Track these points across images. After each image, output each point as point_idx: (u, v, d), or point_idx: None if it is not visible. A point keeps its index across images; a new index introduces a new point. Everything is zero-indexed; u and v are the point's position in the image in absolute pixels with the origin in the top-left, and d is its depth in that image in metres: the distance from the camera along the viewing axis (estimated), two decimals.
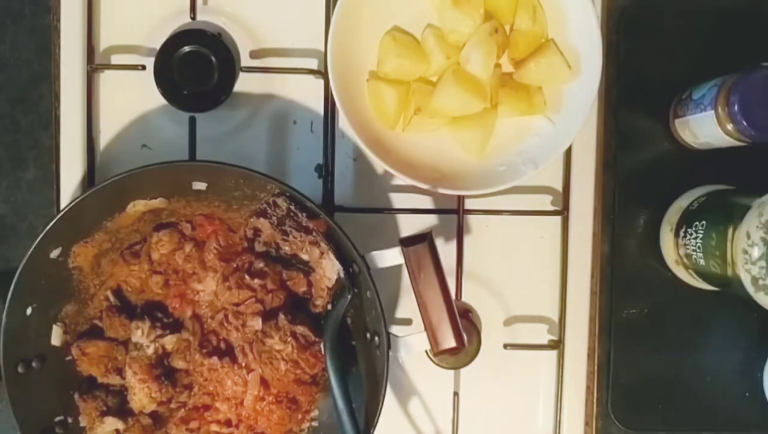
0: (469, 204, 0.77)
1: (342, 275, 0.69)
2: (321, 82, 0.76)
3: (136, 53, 0.77)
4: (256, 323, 0.72)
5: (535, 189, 0.78)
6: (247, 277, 0.72)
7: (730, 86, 0.67)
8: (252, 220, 0.73)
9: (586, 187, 0.77)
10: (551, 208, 0.78)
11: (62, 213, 0.67)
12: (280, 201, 0.69)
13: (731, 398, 0.78)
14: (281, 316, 0.72)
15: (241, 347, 0.72)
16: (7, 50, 0.77)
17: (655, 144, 0.77)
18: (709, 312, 0.78)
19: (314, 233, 0.69)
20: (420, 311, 0.65)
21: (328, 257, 0.69)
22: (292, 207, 0.69)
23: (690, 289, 0.76)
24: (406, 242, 0.65)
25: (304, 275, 0.74)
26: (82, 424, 0.72)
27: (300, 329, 0.72)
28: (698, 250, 0.70)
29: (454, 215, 0.76)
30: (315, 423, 0.74)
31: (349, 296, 0.69)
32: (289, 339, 0.71)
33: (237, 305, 0.72)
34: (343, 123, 0.75)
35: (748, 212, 0.64)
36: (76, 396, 0.72)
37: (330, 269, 0.70)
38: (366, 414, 0.69)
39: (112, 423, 0.72)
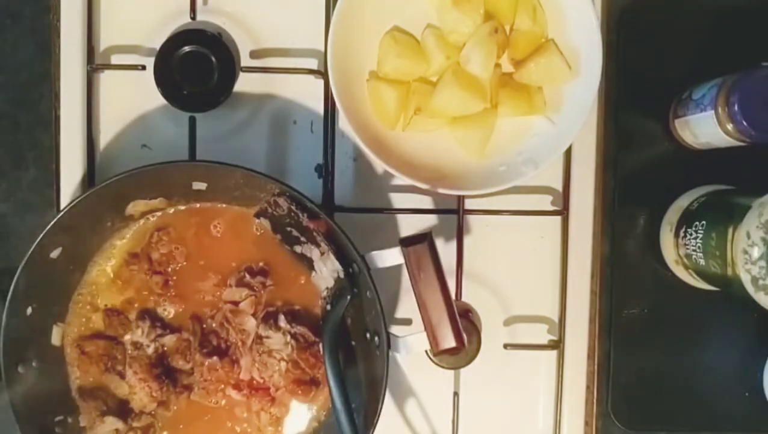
0: (469, 204, 0.77)
1: (342, 275, 0.69)
2: (321, 82, 0.76)
3: (136, 53, 0.77)
4: (256, 323, 0.72)
5: (535, 189, 0.78)
6: (247, 276, 0.72)
7: (730, 86, 0.67)
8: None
9: (586, 187, 0.77)
10: (551, 208, 0.77)
11: (62, 213, 0.67)
12: (280, 201, 0.69)
13: (731, 398, 0.78)
14: (281, 316, 0.72)
15: (242, 346, 0.72)
16: (7, 50, 0.77)
17: (655, 144, 0.77)
18: (709, 312, 0.78)
19: (314, 233, 0.69)
20: (420, 311, 0.65)
21: (328, 257, 0.69)
22: (293, 207, 0.69)
23: (690, 289, 0.76)
24: (406, 242, 0.65)
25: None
26: (82, 424, 0.72)
27: (300, 329, 0.72)
28: (698, 250, 0.70)
29: (454, 215, 0.76)
30: (315, 423, 0.74)
31: (349, 297, 0.69)
32: (289, 339, 0.71)
33: (236, 303, 0.72)
34: (343, 123, 0.75)
35: (748, 212, 0.64)
36: (76, 396, 0.72)
37: (330, 270, 0.70)
38: (366, 414, 0.69)
39: (112, 423, 0.72)
